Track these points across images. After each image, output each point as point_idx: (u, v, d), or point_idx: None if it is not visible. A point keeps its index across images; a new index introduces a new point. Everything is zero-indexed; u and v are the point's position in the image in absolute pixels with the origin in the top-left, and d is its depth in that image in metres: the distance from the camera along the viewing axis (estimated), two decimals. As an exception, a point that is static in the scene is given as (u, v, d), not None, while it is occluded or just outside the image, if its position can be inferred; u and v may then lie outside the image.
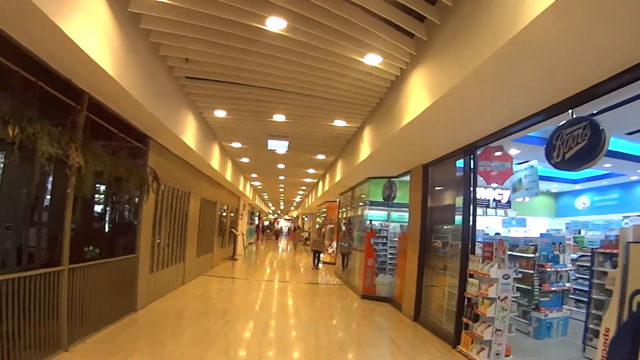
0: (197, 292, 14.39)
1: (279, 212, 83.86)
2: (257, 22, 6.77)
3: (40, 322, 6.47)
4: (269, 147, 14.51)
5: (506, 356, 8.22)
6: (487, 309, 8.15)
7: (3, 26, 5.00)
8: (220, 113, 11.99)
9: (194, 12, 6.60)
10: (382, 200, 16.44)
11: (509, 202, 18.64)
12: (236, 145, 16.65)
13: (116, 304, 9.42)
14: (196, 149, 12.11)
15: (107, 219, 9.84)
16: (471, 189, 9.71)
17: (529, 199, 19.78)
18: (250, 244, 40.79)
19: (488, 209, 18.18)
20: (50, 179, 7.23)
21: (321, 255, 24.83)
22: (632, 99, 6.46)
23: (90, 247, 8.50)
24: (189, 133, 11.17)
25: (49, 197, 7.46)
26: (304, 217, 59.85)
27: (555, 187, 21.86)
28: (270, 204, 64.23)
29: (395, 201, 16.05)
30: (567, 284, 11.04)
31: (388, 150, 10.99)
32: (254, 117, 12.33)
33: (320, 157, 18.41)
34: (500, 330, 8.11)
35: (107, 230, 9.80)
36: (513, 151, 11.23)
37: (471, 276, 8.99)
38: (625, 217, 17.55)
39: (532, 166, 11.93)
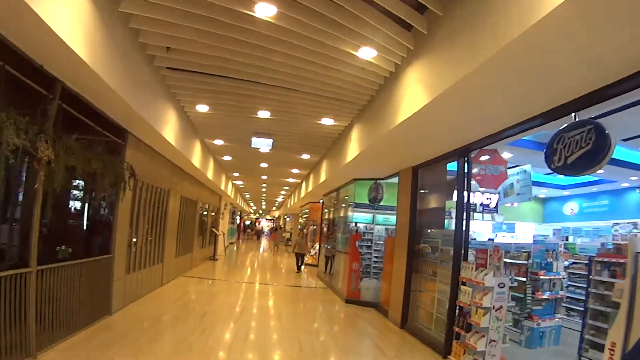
0: (176, 294, 13.91)
1: (260, 211, 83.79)
2: (245, 8, 6.26)
3: (5, 327, 5.97)
4: (252, 145, 14.04)
5: (501, 368, 7.84)
6: (481, 319, 7.70)
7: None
8: (202, 108, 11.45)
9: (176, -5, 6.12)
10: (368, 203, 16.06)
11: (496, 206, 18.48)
12: (218, 142, 16.12)
13: (89, 308, 8.91)
14: (176, 145, 11.62)
15: (80, 217, 9.32)
16: (465, 192, 9.33)
17: (517, 204, 19.67)
18: (231, 243, 40.45)
19: (475, 214, 18.20)
20: (24, 173, 6.75)
21: (304, 257, 24.13)
22: (629, 105, 6.19)
23: (62, 247, 7.98)
24: (169, 128, 10.66)
25: (21, 192, 6.99)
26: (285, 217, 59.62)
27: (543, 192, 21.60)
28: (252, 204, 63.96)
29: (380, 203, 15.75)
30: (561, 292, 10.80)
31: (378, 151, 10.58)
32: (238, 113, 11.81)
33: (305, 156, 17.96)
34: (494, 341, 7.69)
35: (80, 229, 9.29)
36: (506, 155, 10.88)
37: (463, 284, 8.57)
38: (615, 224, 17.61)
39: (525, 171, 11.59)
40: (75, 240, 8.71)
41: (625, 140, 11.17)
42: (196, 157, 15.04)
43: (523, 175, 11.65)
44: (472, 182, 9.37)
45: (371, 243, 17.88)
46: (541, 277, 10.50)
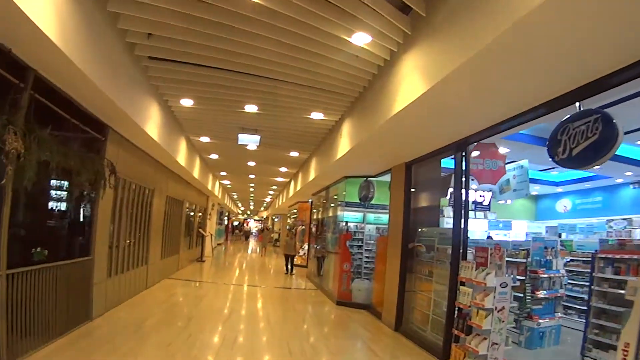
0: (161, 297, 13.44)
1: (248, 212, 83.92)
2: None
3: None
4: (239, 142, 13.57)
5: (504, 371, 7.47)
6: (482, 321, 7.28)
7: None
8: (186, 102, 10.96)
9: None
10: (358, 201, 15.72)
11: (489, 204, 18.21)
12: (204, 139, 15.61)
13: (68, 313, 8.42)
14: (160, 141, 11.14)
15: (58, 216, 8.77)
16: (463, 188, 8.92)
17: (511, 201, 19.40)
18: (219, 244, 40.28)
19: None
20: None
21: (294, 259, 23.50)
22: (627, 98, 6.12)
23: (38, 249, 7.44)
24: (152, 123, 10.18)
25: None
26: (273, 217, 59.44)
27: (536, 189, 21.30)
28: (239, 204, 63.90)
29: (371, 202, 15.44)
30: (560, 291, 10.51)
31: (370, 146, 10.19)
32: (224, 107, 11.32)
33: (294, 154, 17.47)
34: (496, 344, 7.28)
35: (58, 229, 8.72)
36: (502, 150, 10.58)
37: (462, 284, 8.16)
38: (609, 221, 17.36)
39: (521, 166, 11.28)
40: (52, 242, 8.17)
41: (625, 133, 10.86)
42: (181, 155, 14.58)
43: (520, 170, 11.35)
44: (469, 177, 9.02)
45: (362, 243, 17.50)
46: (541, 275, 10.16)
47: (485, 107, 6.89)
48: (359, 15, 6.26)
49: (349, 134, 10.76)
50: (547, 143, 5.91)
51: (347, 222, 16.93)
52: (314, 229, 23.19)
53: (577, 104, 5.60)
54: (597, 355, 8.54)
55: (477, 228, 18.71)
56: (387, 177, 13.54)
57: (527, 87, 5.88)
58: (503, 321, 7.34)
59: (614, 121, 4.99)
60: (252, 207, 70.66)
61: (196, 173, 18.65)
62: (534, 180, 18.58)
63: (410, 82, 6.71)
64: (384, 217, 17.86)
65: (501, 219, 20.18)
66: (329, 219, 19.11)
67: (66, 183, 8.16)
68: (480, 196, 18.30)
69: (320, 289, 17.59)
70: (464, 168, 8.88)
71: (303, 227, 28.89)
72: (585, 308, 11.30)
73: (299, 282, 20.29)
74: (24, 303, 6.76)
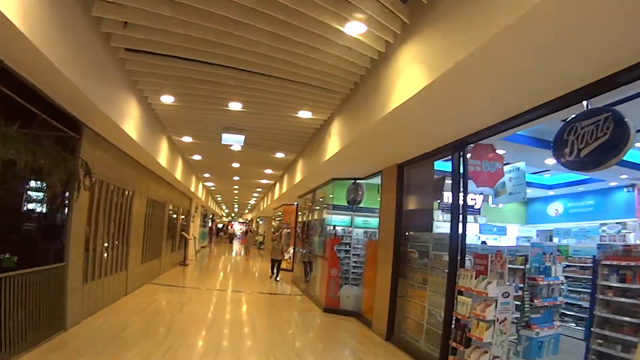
0: (141, 304, 12.82)
1: (233, 214, 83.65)
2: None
3: None
4: (223, 142, 13.04)
5: (505, 387, 7.03)
6: (483, 333, 6.83)
7: None
8: (167, 99, 10.36)
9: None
10: (345, 204, 15.37)
11: (479, 207, 17.88)
12: (187, 139, 15.04)
13: (40, 323, 7.88)
14: (140, 141, 10.57)
15: (29, 220, 8.24)
16: (461, 191, 8.51)
17: (502, 205, 19.07)
18: (202, 247, 39.86)
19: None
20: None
21: (280, 263, 22.52)
22: (632, 97, 5.79)
23: (6, 255, 6.97)
24: (131, 121, 9.61)
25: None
26: (258, 220, 59.19)
27: (527, 192, 20.99)
28: (224, 207, 63.56)
29: (359, 205, 15.06)
30: (560, 299, 10.10)
31: (362, 146, 9.74)
32: (207, 105, 10.74)
33: (280, 155, 16.95)
34: (498, 357, 6.85)
35: (28, 233, 8.19)
36: (498, 151, 10.21)
37: (460, 293, 7.71)
38: (602, 225, 17.13)
39: (518, 168, 10.80)
40: (23, 247, 7.63)
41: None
42: (163, 155, 14.03)
43: (516, 173, 10.91)
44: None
45: (349, 247, 17.14)
46: (540, 282, 9.71)
47: (488, 105, 6.47)
48: (353, 1, 5.76)
49: (338, 133, 10.30)
50: (552, 144, 5.71)
51: (334, 226, 16.49)
52: (299, 233, 22.74)
53: (585, 102, 5.34)
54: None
55: (468, 232, 18.29)
56: (375, 180, 13.25)
57: (533, 84, 5.55)
58: (505, 333, 6.95)
59: (626, 120, 4.76)
60: (236, 210, 70.52)
61: (179, 175, 18.12)
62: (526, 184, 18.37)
63: (409, 76, 6.24)
64: (373, 221, 17.68)
65: (492, 223, 20.01)
66: (315, 222, 18.67)
67: (38, 184, 7.70)
68: (472, 199, 17.96)
69: (307, 295, 17.08)
70: (461, 170, 8.47)
71: (288, 230, 28.40)
72: (583, 315, 11.22)
73: (285, 288, 19.80)
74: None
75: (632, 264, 8.32)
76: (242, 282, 20.97)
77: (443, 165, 10.78)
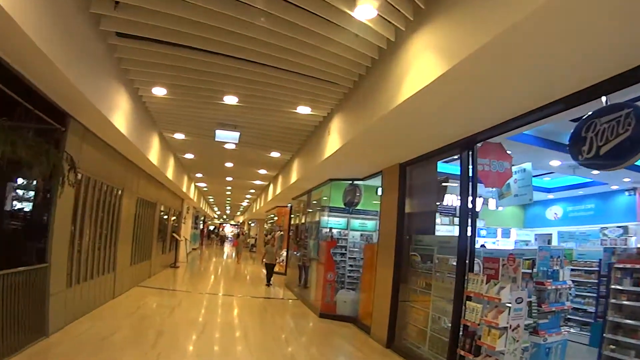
0: (129, 308, 12.33)
1: (224, 216, 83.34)
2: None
3: None
4: (216, 139, 12.52)
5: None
6: (496, 341, 6.44)
7: None
8: (159, 91, 9.79)
9: None
10: (341, 206, 15.03)
11: (478, 210, 17.52)
12: (179, 136, 14.50)
13: (20, 329, 7.37)
14: (129, 136, 10.05)
15: (8, 217, 7.70)
16: (470, 191, 8.13)
17: (502, 208, 18.77)
18: (194, 249, 39.56)
19: (455, 218, 17.45)
20: None
21: (274, 268, 21.80)
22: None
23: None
24: (120, 114, 9.07)
25: None
26: (250, 222, 59.05)
27: (529, 195, 20.82)
28: (215, 208, 63.27)
29: (356, 207, 14.69)
30: (567, 303, 9.57)
31: (365, 143, 9.26)
32: (201, 98, 10.18)
33: (275, 154, 16.43)
34: (510, 367, 6.44)
35: (7, 232, 7.64)
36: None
37: (469, 299, 7.33)
38: (603, 228, 17.21)
39: (524, 169, 10.45)
40: (1, 247, 7.15)
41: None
42: (154, 152, 13.51)
43: (522, 174, 10.56)
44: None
45: (345, 250, 16.63)
46: (548, 287, 9.22)
47: (504, 99, 6.08)
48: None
49: (338, 130, 9.85)
50: (568, 141, 5.45)
51: (331, 229, 16.07)
52: (293, 235, 22.44)
53: (604, 98, 5.10)
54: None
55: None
56: (373, 182, 13.21)
57: (553, 77, 5.23)
58: (517, 341, 6.59)
59: (648, 116, 4.52)
60: (228, 212, 70.26)
61: (170, 174, 17.63)
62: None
63: (422, 65, 5.76)
64: (370, 224, 17.31)
65: (490, 226, 19.84)
66: (311, 224, 18.29)
67: (19, 179, 7.23)
68: (471, 202, 17.60)
69: (301, 300, 16.63)
70: (470, 169, 8.05)
71: (281, 232, 28.07)
72: (588, 320, 11.17)
73: (277, 292, 19.34)
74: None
75: (648, 267, 8.00)
76: (234, 286, 20.55)
77: (443, 167, 10.51)
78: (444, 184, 11.14)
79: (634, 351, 7.83)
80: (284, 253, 25.47)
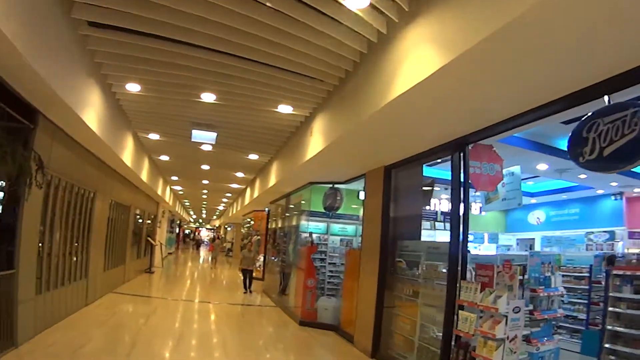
0: (103, 316, 11.82)
1: (200, 220, 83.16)
2: None
3: None
4: (193, 139, 12.04)
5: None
6: (492, 354, 6.12)
7: None
8: (133, 87, 9.30)
9: None
10: (320, 211, 14.77)
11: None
12: (154, 137, 14.02)
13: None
14: (102, 135, 9.56)
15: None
16: (462, 195, 7.87)
17: (485, 213, 18.61)
18: (169, 254, 39.06)
19: (437, 223, 17.63)
20: None
21: (252, 274, 20.75)
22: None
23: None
24: (92, 112, 8.58)
25: None
26: (226, 227, 58.75)
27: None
28: (192, 212, 62.99)
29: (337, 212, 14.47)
30: (560, 311, 9.33)
31: (350, 144, 8.91)
32: (177, 95, 9.72)
33: (253, 157, 16.03)
34: (507, 380, 6.12)
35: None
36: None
37: (461, 308, 7.00)
38: (588, 233, 17.25)
39: (512, 173, 10.18)
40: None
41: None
42: (128, 153, 13.02)
43: (511, 178, 10.28)
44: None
45: (325, 256, 16.38)
46: (540, 294, 8.98)
47: (503, 96, 5.74)
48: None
49: (321, 131, 9.48)
50: (568, 142, 5.26)
51: (311, 233, 15.73)
52: (272, 240, 22.20)
53: (606, 97, 4.87)
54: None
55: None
56: (353, 186, 13.29)
57: (558, 71, 4.90)
58: (515, 352, 6.32)
59: (654, 115, 4.33)
60: (204, 216, 70.14)
61: (145, 176, 17.14)
62: (508, 192, 18.24)
63: (418, 59, 5.40)
64: (350, 228, 17.08)
65: (476, 231, 19.73)
66: (289, 229, 17.97)
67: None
68: None
69: (280, 307, 16.20)
70: (462, 172, 7.75)
71: (258, 237, 27.71)
72: (579, 327, 11.00)
73: (255, 298, 18.90)
74: None
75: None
76: (211, 292, 20.23)
77: (427, 170, 10.36)
78: (429, 187, 10.83)
79: (633, 361, 7.68)
80: (261, 258, 25.13)
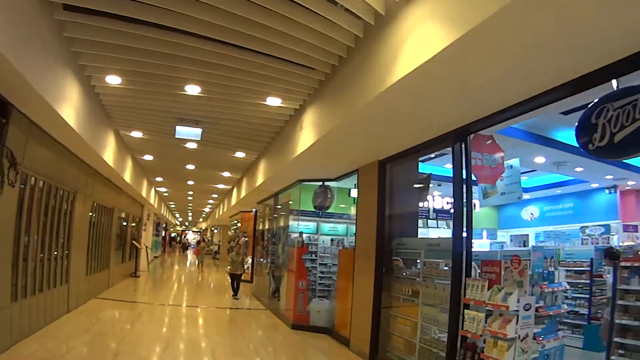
0: (85, 324, 11.26)
1: (187, 223, 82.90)
2: None
3: None
4: (177, 136, 11.52)
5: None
6: (504, 355, 5.76)
7: None
8: (113, 79, 8.76)
9: None
10: (310, 210, 14.46)
11: (449, 213, 17.39)
12: (136, 134, 13.51)
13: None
14: (81, 131, 9.04)
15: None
16: (464, 188, 7.38)
17: (479, 209, 18.45)
18: (155, 257, 38.65)
19: (429, 220, 17.56)
20: None
21: (240, 278, 19.66)
22: None
23: None
24: (69, 106, 8.06)
25: None
26: (213, 229, 58.58)
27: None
28: (177, 215, 62.66)
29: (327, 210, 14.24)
30: (564, 306, 9.07)
31: (344, 135, 8.41)
32: (159, 88, 9.20)
33: (240, 155, 15.59)
34: (519, 382, 5.78)
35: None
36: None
37: (467, 307, 6.62)
38: (583, 227, 17.30)
39: (511, 166, 9.83)
40: None
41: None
42: (109, 152, 12.52)
43: (509, 171, 9.92)
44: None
45: (315, 256, 15.91)
46: (544, 290, 8.66)
47: (514, 77, 5.31)
48: None
49: (312, 124, 9.05)
50: (576, 129, 4.98)
51: (301, 233, 15.26)
52: (261, 241, 21.86)
53: (614, 81, 4.67)
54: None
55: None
56: (342, 183, 13.07)
57: (567, 55, 4.63)
58: (526, 352, 5.99)
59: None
60: (190, 218, 69.81)
61: (128, 177, 16.65)
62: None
63: (422, 37, 4.96)
64: (341, 227, 16.90)
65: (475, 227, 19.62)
66: (278, 229, 17.55)
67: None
68: (448, 203, 17.16)
69: (271, 310, 15.77)
70: (464, 162, 7.31)
71: (246, 238, 27.31)
72: (581, 323, 10.99)
73: (244, 301, 18.39)
74: None
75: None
76: (198, 296, 19.81)
77: (421, 167, 10.26)
78: (426, 182, 10.46)
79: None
80: (249, 260, 24.81)
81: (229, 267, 19.15)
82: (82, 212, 13.13)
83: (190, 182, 25.12)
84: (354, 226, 11.28)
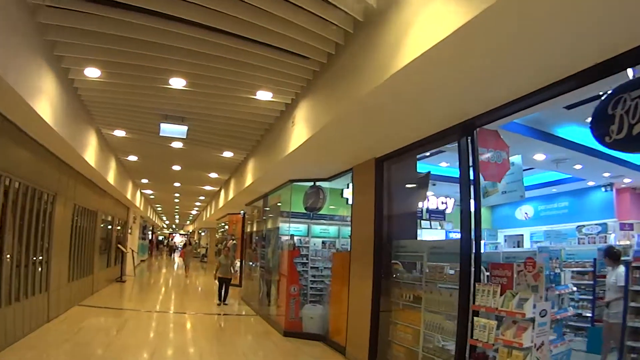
0: (66, 333, 10.77)
1: (174, 226, 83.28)
2: None
3: None
4: (161, 134, 11.04)
5: None
6: None
7: None
8: (92, 72, 8.19)
9: None
10: (302, 211, 14.01)
11: (443, 213, 17.02)
12: (119, 133, 12.98)
13: None
14: (58, 128, 8.49)
15: None
16: (472, 186, 6.96)
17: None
18: (142, 261, 38.24)
19: (423, 222, 17.03)
20: None
21: (229, 283, 18.68)
22: None
23: None
24: (45, 101, 7.51)
25: None
26: (200, 231, 58.44)
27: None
28: (164, 217, 62.53)
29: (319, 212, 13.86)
30: (570, 309, 8.80)
31: (340, 130, 7.96)
32: (142, 81, 8.65)
33: (228, 154, 15.17)
34: (535, 393, 5.40)
35: None
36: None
37: (476, 314, 6.15)
38: (579, 227, 17.03)
39: (513, 163, 9.44)
40: None
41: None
42: (91, 152, 12.01)
43: (511, 168, 9.58)
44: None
45: (307, 259, 15.50)
46: (552, 293, 8.36)
47: (529, 64, 4.93)
48: None
49: (305, 119, 8.61)
50: (591, 121, 4.77)
51: (292, 236, 14.91)
52: (251, 244, 21.43)
53: (630, 70, 4.54)
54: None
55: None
56: (333, 183, 12.76)
57: (581, 41, 4.35)
58: None
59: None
60: (177, 221, 69.72)
61: (112, 178, 16.18)
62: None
63: (431, 18, 4.51)
64: (332, 229, 16.79)
65: (457, 229, 19.35)
66: (268, 232, 17.08)
67: None
68: (443, 203, 16.80)
69: (261, 315, 15.34)
70: (471, 157, 6.89)
71: (234, 241, 26.77)
72: (584, 325, 10.66)
73: (234, 306, 17.98)
74: None
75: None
76: (186, 301, 19.35)
77: (418, 165, 9.87)
78: (425, 181, 10.04)
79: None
80: (238, 263, 24.46)
81: (216, 271, 18.37)
82: (63, 215, 12.65)
83: (177, 184, 24.81)
84: (347, 228, 10.97)
